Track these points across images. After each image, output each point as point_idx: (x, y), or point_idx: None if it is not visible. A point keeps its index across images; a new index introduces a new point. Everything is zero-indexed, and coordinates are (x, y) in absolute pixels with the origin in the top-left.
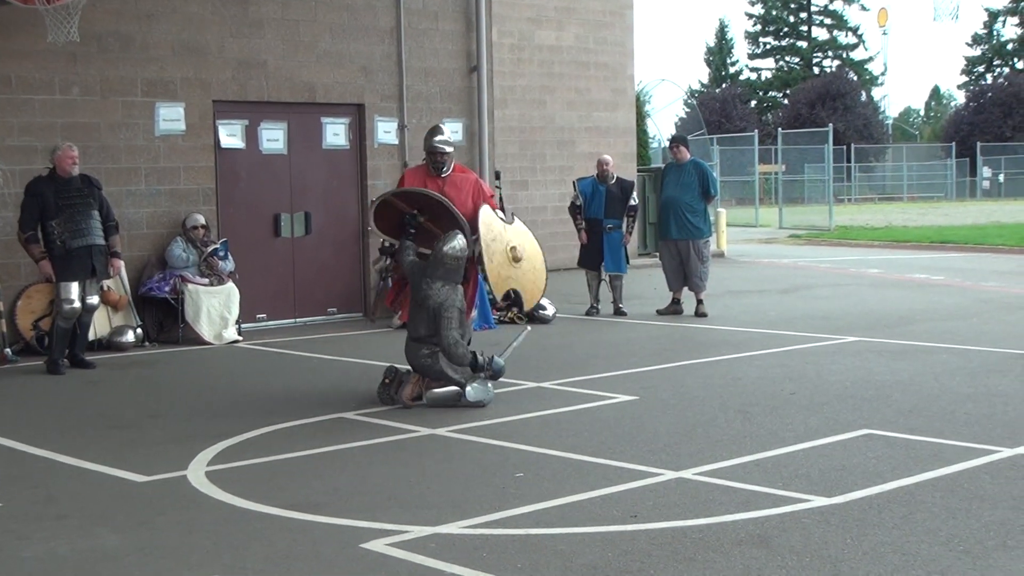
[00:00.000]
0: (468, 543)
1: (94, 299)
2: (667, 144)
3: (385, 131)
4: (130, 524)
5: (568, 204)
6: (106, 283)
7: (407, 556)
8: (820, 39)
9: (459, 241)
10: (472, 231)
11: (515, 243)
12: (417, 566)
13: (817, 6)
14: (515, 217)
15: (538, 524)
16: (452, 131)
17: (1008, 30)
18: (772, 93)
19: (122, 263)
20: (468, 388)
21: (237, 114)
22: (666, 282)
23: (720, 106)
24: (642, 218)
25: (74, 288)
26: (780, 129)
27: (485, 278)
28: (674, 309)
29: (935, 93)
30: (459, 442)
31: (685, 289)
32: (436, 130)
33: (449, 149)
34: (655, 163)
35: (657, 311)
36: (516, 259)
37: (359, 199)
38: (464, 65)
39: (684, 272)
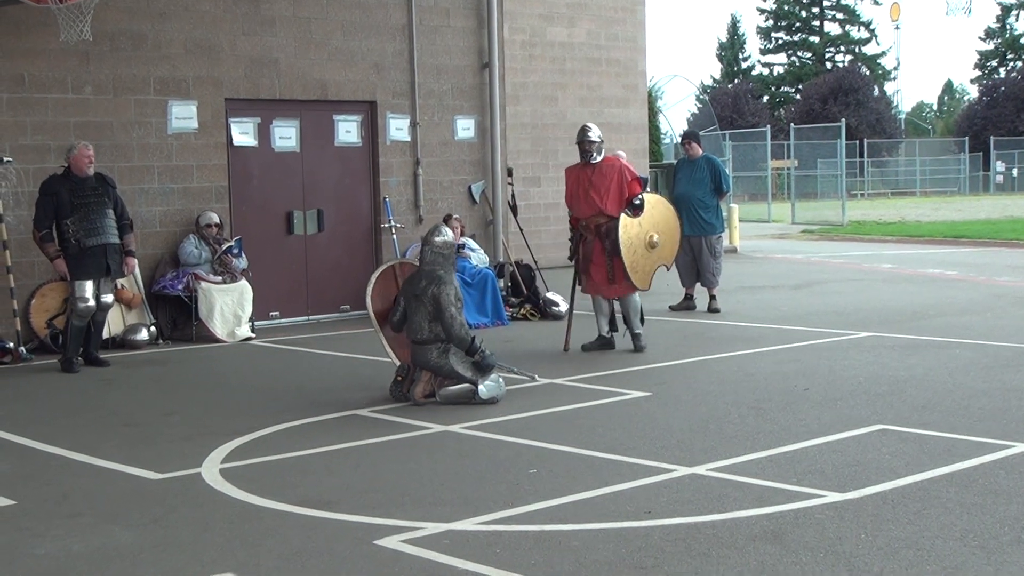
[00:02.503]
0: (482, 539)
1: (108, 297)
2: (679, 140)
3: (397, 128)
4: (144, 521)
5: None
6: (120, 281)
7: (420, 553)
8: (832, 34)
9: (447, 234)
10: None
11: (651, 232)
12: (431, 563)
13: (829, 1)
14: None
15: (552, 520)
16: (464, 128)
17: (1021, 24)
18: (784, 88)
19: (136, 261)
20: (481, 385)
21: (249, 112)
22: (679, 278)
23: (732, 101)
24: None
25: (88, 286)
26: (792, 124)
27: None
28: (687, 305)
29: (948, 87)
30: (472, 439)
31: (698, 285)
32: (586, 127)
33: (595, 139)
34: (667, 159)
35: (670, 307)
36: (653, 245)
37: (371, 196)
38: (476, 62)
39: (697, 268)
